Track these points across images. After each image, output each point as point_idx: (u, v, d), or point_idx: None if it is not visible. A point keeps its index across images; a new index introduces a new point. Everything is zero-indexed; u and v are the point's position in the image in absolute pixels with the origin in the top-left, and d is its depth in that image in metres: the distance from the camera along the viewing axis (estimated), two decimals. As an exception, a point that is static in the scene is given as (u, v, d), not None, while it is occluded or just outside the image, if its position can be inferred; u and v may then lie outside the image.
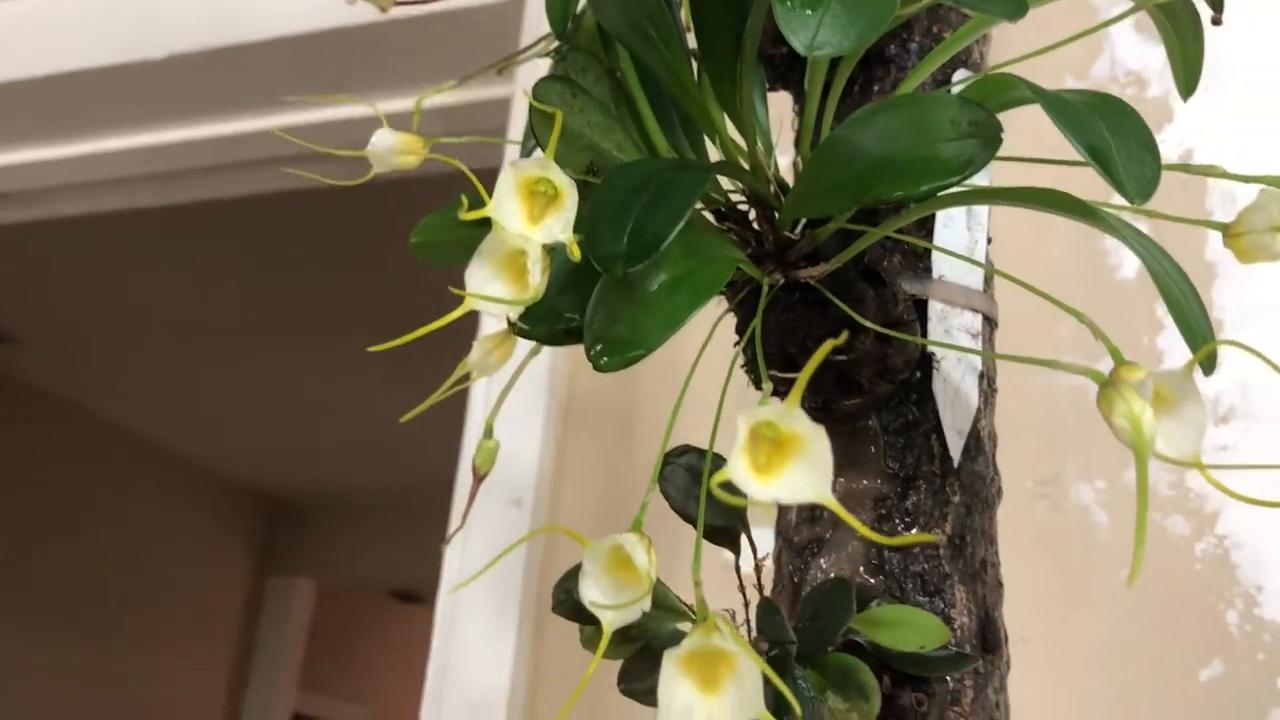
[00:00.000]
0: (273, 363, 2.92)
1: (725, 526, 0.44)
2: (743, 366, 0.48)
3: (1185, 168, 0.40)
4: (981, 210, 0.50)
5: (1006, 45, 0.54)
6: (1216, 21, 0.45)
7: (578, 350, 0.37)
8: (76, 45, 1.38)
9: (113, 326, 2.78)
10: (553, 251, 0.36)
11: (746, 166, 0.44)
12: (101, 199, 1.56)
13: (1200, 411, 0.32)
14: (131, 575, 3.42)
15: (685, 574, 0.37)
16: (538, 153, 0.37)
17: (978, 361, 0.48)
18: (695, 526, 0.38)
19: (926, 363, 0.47)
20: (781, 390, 0.45)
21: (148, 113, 1.42)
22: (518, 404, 0.96)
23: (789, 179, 0.45)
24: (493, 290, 0.35)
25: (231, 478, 3.80)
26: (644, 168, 0.39)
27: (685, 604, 0.42)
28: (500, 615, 0.97)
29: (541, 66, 0.51)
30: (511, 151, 1.05)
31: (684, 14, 0.44)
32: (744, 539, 0.44)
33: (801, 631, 0.41)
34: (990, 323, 0.50)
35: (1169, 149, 0.92)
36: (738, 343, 0.47)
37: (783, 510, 0.48)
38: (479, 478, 0.48)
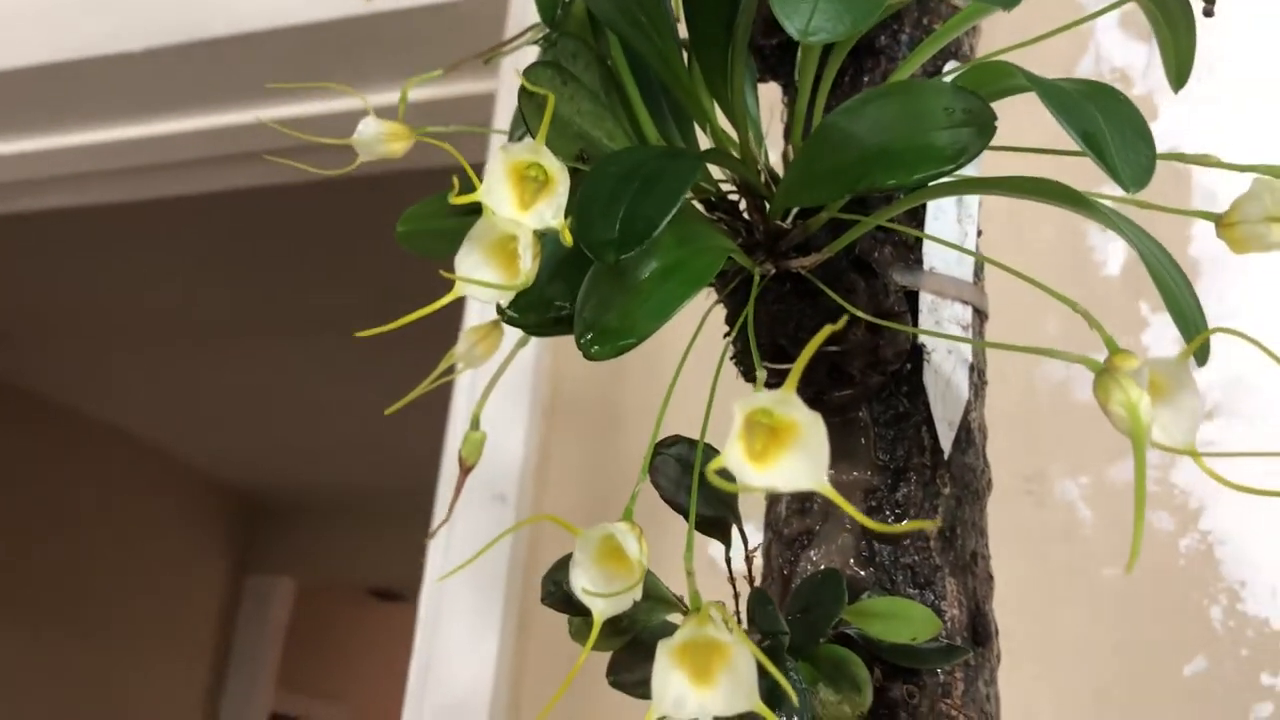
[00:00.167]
0: (252, 362, 2.90)
1: (716, 517, 0.43)
2: (732, 358, 0.47)
3: (1180, 157, 0.40)
4: (972, 202, 0.50)
5: (994, 40, 0.54)
6: (1208, 13, 0.45)
7: (562, 344, 0.36)
8: (56, 37, 1.37)
9: (93, 322, 2.75)
10: (542, 239, 0.36)
11: (737, 155, 0.43)
12: (84, 192, 1.55)
13: (1196, 400, 0.32)
14: (108, 574, 3.39)
15: (671, 567, 0.37)
16: (528, 139, 0.36)
17: (968, 353, 0.48)
18: (686, 517, 0.38)
19: (917, 354, 0.47)
20: (772, 382, 0.45)
21: (127, 105, 1.41)
22: (502, 398, 0.95)
23: (778, 171, 0.45)
24: (482, 276, 0.35)
25: (209, 476, 3.77)
26: (635, 155, 0.39)
27: (676, 595, 0.41)
28: (484, 612, 0.96)
29: (527, 59, 0.50)
30: (498, 143, 1.05)
31: (674, 1, 0.43)
32: (734, 530, 0.44)
33: (792, 623, 0.40)
34: (980, 315, 0.50)
35: (1153, 146, 0.92)
36: (728, 334, 0.46)
37: (772, 502, 0.48)
38: (465, 469, 0.47)
